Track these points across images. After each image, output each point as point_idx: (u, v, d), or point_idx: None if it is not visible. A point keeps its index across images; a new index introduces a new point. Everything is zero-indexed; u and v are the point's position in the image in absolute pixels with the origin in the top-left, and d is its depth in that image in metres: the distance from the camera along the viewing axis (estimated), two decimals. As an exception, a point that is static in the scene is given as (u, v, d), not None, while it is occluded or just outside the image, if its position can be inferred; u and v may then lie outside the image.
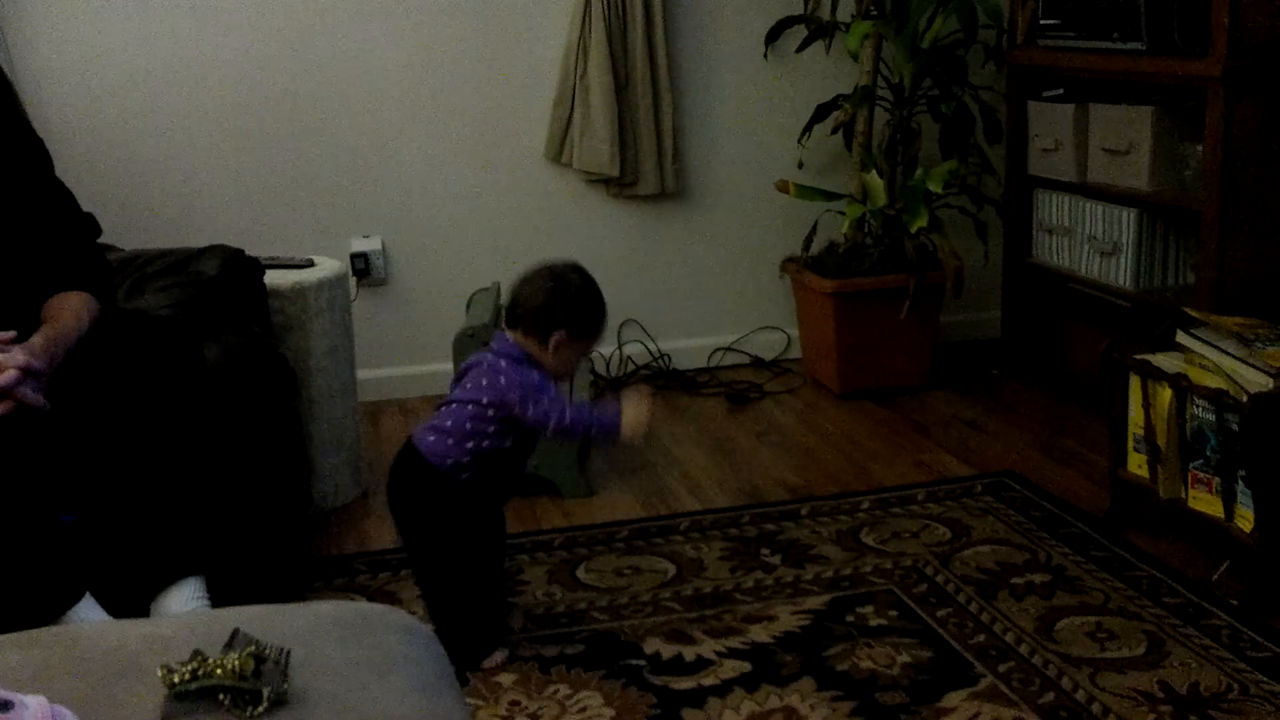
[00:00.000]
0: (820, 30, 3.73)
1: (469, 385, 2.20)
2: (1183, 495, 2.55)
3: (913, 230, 3.50)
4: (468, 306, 3.19)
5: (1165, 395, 2.53)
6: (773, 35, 3.77)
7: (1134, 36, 3.05)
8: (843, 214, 3.66)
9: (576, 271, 2.24)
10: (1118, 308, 3.34)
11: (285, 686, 1.20)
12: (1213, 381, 2.43)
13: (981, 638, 2.28)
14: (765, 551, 2.67)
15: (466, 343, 2.80)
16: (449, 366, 2.83)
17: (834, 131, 3.73)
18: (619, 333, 3.84)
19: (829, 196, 3.67)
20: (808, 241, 3.74)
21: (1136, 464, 2.65)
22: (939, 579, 2.51)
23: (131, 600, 1.99)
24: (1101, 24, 3.17)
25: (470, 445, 2.17)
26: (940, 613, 2.38)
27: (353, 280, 3.51)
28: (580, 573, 2.61)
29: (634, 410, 2.15)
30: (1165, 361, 2.56)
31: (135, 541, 2.00)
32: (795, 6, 3.77)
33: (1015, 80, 3.61)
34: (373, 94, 3.62)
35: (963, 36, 3.66)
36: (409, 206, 3.71)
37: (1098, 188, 3.31)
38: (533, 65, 3.69)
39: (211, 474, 2.09)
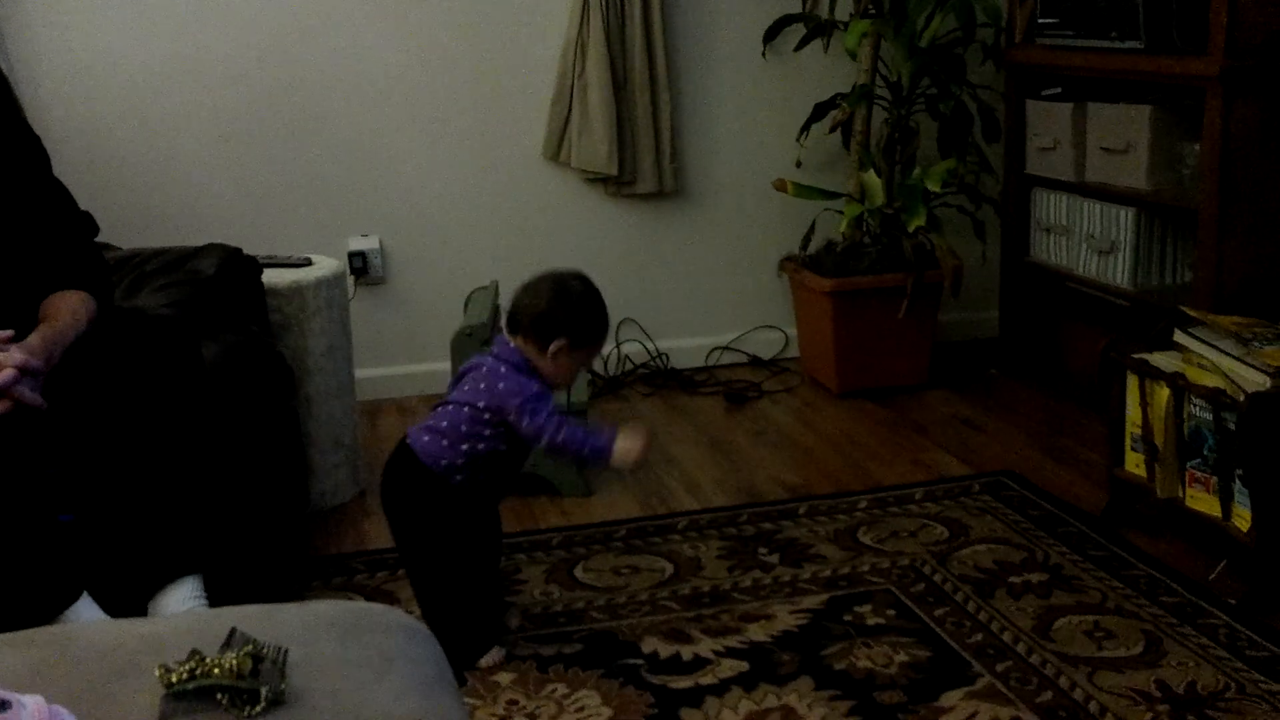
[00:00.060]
0: (818, 29, 3.73)
1: (466, 388, 2.20)
2: (1180, 494, 2.55)
3: (911, 229, 3.51)
4: (465, 305, 3.19)
5: (1163, 394, 2.53)
6: (771, 34, 3.77)
7: (1132, 35, 3.05)
8: (841, 213, 3.67)
9: (580, 280, 2.24)
10: (1116, 307, 3.34)
11: (283, 686, 1.20)
12: (1210, 381, 2.43)
13: (979, 637, 2.28)
14: (763, 551, 2.67)
15: (464, 342, 2.80)
16: (447, 365, 2.83)
17: (832, 130, 3.73)
18: (617, 332, 3.84)
19: (827, 195, 3.67)
20: (806, 240, 3.74)
21: (1134, 463, 2.65)
22: (937, 578, 2.51)
23: (129, 599, 1.99)
24: (1100, 23, 3.17)
25: (465, 447, 2.17)
26: (938, 612, 2.38)
27: (350, 279, 3.51)
28: (578, 572, 2.61)
29: (629, 442, 2.14)
30: (1163, 361, 2.56)
31: (133, 541, 2.00)
32: (793, 5, 3.77)
33: (1013, 79, 3.61)
34: (371, 92, 3.62)
35: (961, 35, 3.66)
36: (407, 205, 3.71)
37: (1096, 187, 3.31)
38: (531, 64, 3.69)
39: (209, 473, 2.09)
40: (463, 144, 3.70)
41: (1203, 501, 2.48)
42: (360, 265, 3.67)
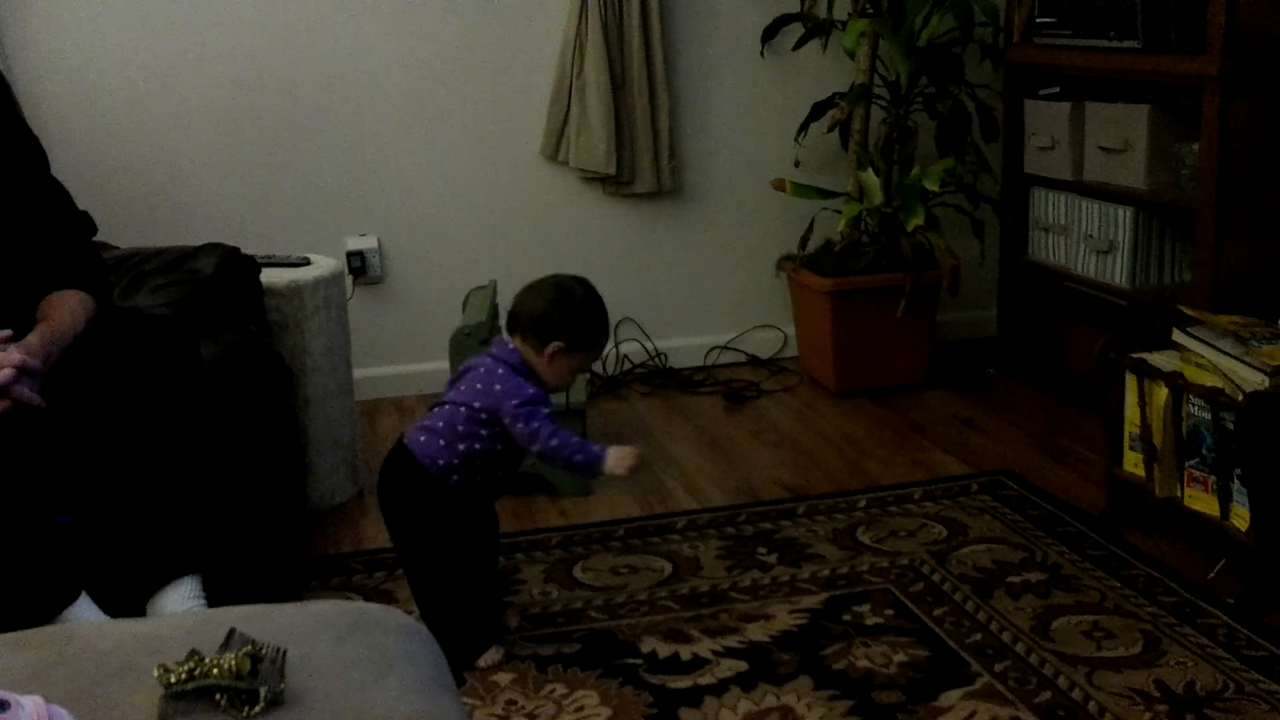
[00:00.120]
0: (817, 28, 3.73)
1: (464, 388, 2.20)
2: (1179, 494, 2.55)
3: (909, 229, 3.51)
4: (464, 305, 3.19)
5: (1161, 394, 2.53)
6: (769, 33, 3.77)
7: (1130, 35, 3.05)
8: (839, 212, 3.66)
9: (582, 284, 2.24)
10: (1114, 306, 3.34)
11: (282, 686, 1.20)
12: (1209, 380, 2.43)
13: (978, 637, 2.28)
14: (762, 550, 2.67)
15: (463, 341, 2.80)
16: (445, 365, 2.83)
17: (830, 130, 3.73)
18: (616, 331, 3.84)
19: (825, 195, 3.67)
20: (804, 240, 3.74)
21: (1133, 463, 2.65)
22: (935, 578, 2.51)
23: (128, 600, 1.99)
24: (1098, 22, 3.17)
25: (461, 447, 2.17)
26: (937, 612, 2.38)
27: (349, 278, 3.50)
28: (577, 572, 2.61)
29: (621, 455, 2.13)
30: (1161, 360, 2.57)
31: (131, 541, 2.00)
32: (792, 4, 3.77)
33: (1011, 78, 3.61)
34: (369, 92, 3.61)
35: (959, 35, 3.66)
36: (405, 205, 3.70)
37: (1094, 186, 3.31)
38: (529, 63, 3.69)
39: (208, 473, 2.09)
40: (461, 143, 3.70)
41: (1201, 501, 2.49)
42: (359, 265, 3.67)
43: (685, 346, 3.97)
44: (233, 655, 1.20)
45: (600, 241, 3.81)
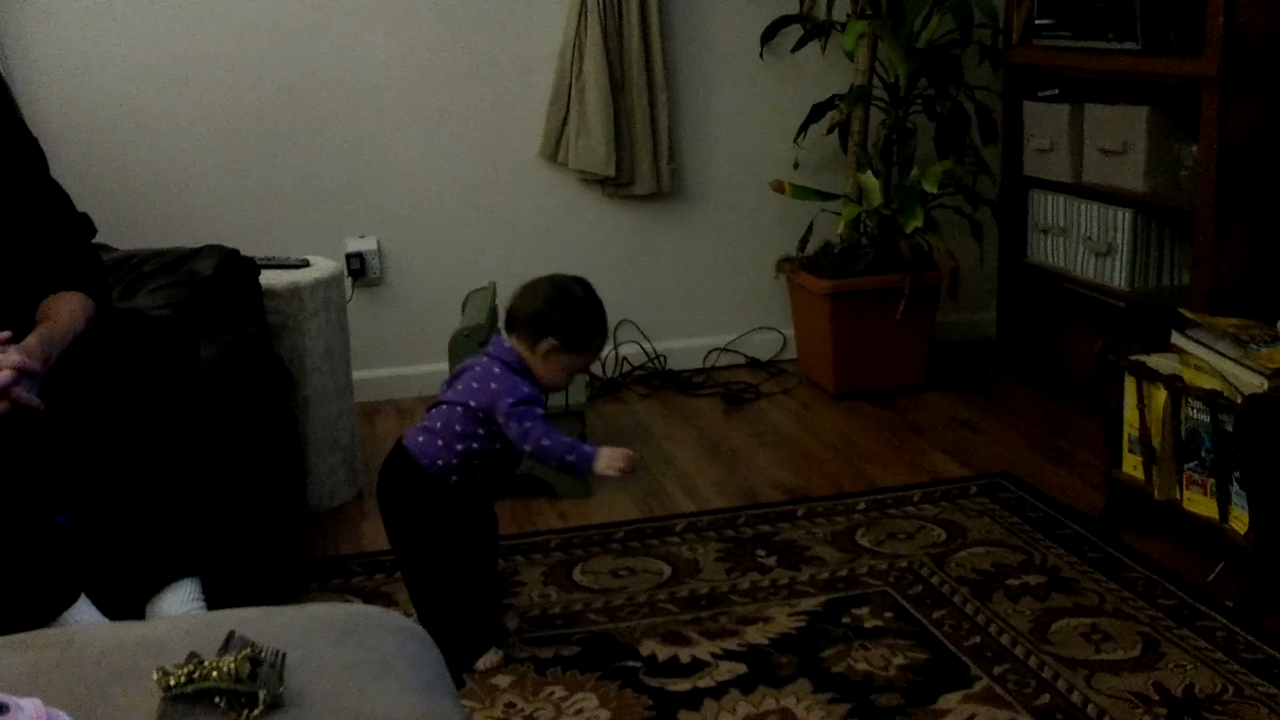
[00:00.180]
0: (816, 30, 3.73)
1: (460, 387, 2.20)
2: (1177, 496, 2.55)
3: (908, 230, 3.51)
4: (463, 306, 3.19)
5: (1160, 396, 2.53)
6: (768, 35, 3.77)
7: (1129, 36, 3.05)
8: (838, 214, 3.67)
9: (581, 285, 2.24)
10: (1113, 308, 3.34)
11: (281, 689, 1.20)
12: (1207, 383, 2.43)
13: (977, 639, 2.28)
14: (761, 553, 2.67)
15: (463, 343, 2.80)
16: (445, 366, 2.83)
17: (829, 131, 3.73)
18: (615, 333, 3.84)
19: (824, 196, 3.67)
20: (803, 242, 3.74)
21: (1131, 465, 2.66)
22: (934, 580, 2.51)
23: (127, 602, 1.99)
24: (1097, 24, 3.17)
25: (460, 447, 2.17)
26: (936, 614, 2.38)
27: (348, 280, 3.51)
28: (576, 574, 2.61)
29: (612, 456, 2.13)
30: (1160, 362, 2.57)
31: (131, 543, 1.99)
32: (791, 6, 3.77)
33: (1010, 80, 3.61)
34: (368, 93, 3.61)
35: (958, 36, 3.67)
36: (404, 206, 3.70)
37: (1093, 188, 3.32)
38: (528, 65, 3.69)
39: (207, 475, 2.09)
40: (460, 145, 3.70)
41: (1200, 503, 2.49)
42: (358, 266, 3.67)
43: (684, 348, 3.97)
44: (232, 658, 1.20)
45: (599, 243, 3.81)
